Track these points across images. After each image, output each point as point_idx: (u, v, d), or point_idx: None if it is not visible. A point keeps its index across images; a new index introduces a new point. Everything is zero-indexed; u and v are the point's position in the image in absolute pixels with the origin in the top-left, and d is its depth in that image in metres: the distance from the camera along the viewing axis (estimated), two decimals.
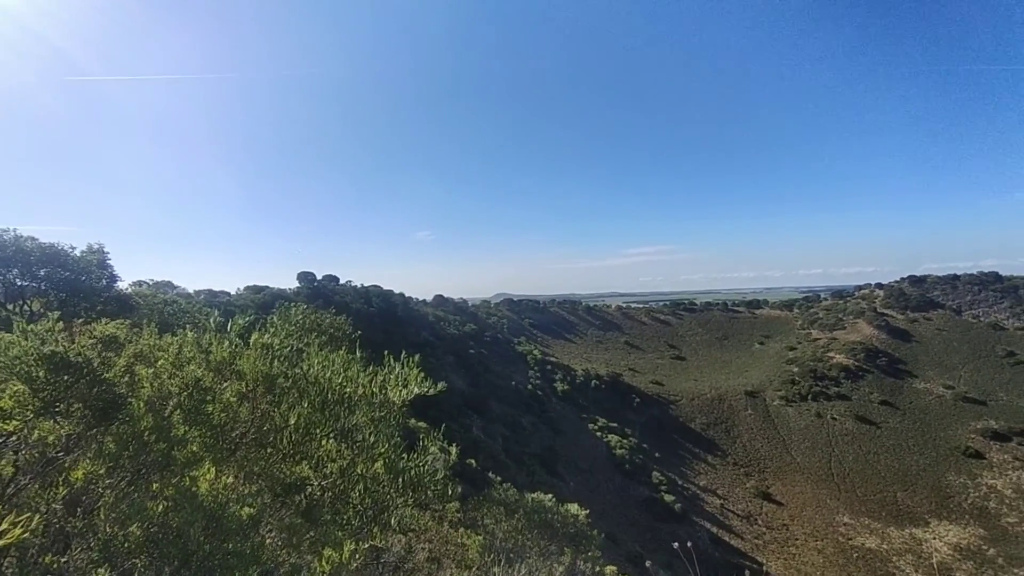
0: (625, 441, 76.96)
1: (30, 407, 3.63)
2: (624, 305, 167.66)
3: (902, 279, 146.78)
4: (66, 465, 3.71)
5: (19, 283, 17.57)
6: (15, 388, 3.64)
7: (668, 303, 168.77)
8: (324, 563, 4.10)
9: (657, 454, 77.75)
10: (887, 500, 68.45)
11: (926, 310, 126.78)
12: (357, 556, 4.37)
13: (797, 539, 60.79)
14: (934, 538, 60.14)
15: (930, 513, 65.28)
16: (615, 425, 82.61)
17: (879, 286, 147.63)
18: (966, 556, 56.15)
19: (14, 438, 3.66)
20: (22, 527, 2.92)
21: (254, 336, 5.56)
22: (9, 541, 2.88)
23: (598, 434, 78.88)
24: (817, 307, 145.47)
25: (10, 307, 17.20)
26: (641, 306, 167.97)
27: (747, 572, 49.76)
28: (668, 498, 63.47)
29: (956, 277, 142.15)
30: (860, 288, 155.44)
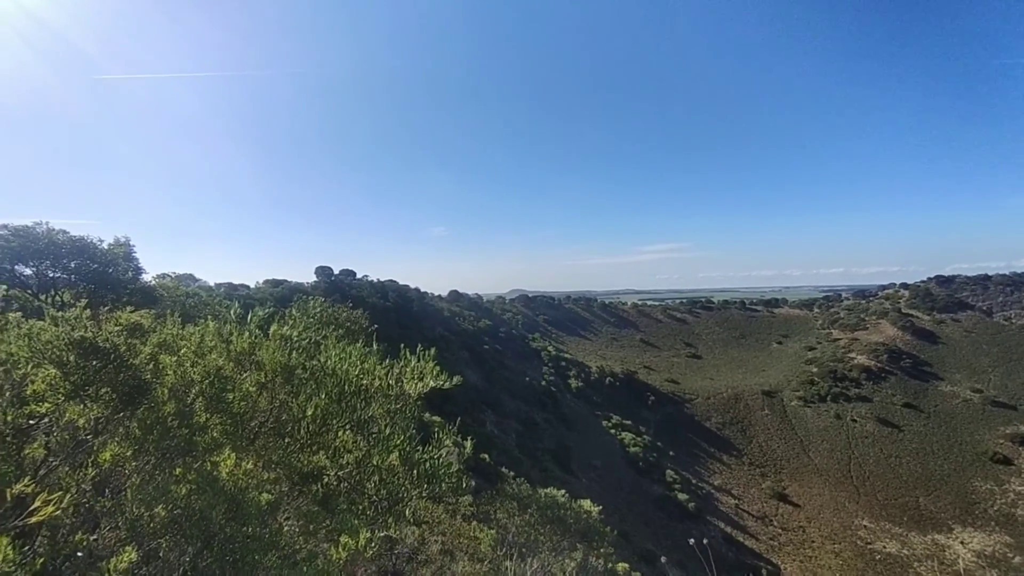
0: (639, 439, 76.48)
1: (61, 390, 3.76)
2: (640, 302, 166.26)
3: (929, 279, 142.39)
4: (95, 447, 3.84)
5: (51, 274, 18.17)
6: (47, 372, 3.77)
7: (685, 301, 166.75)
8: (340, 550, 4.16)
9: (671, 452, 77.08)
10: (909, 505, 66.75)
11: (954, 311, 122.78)
12: (372, 545, 4.43)
13: (814, 541, 59.72)
14: (958, 544, 58.51)
15: (954, 519, 63.47)
16: (629, 423, 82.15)
17: (904, 286, 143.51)
18: (991, 564, 54.46)
19: (46, 420, 3.80)
20: (53, 505, 3.03)
21: (273, 328, 5.66)
22: (41, 519, 3.00)
23: (612, 431, 78.54)
24: (838, 307, 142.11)
25: (42, 297, 17.80)
26: (657, 304, 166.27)
27: (764, 572, 49.16)
28: (682, 497, 62.94)
29: (987, 277, 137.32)
30: (884, 288, 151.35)
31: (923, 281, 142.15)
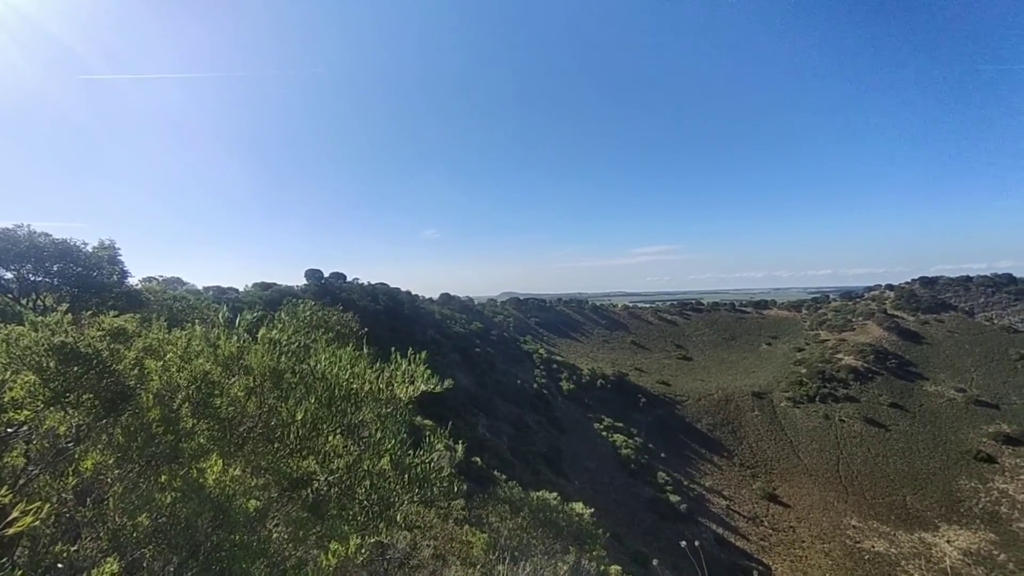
0: (631, 441, 76.73)
1: (40, 397, 3.66)
2: (631, 305, 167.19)
3: (913, 280, 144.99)
4: (76, 455, 3.75)
5: (32, 278, 17.81)
6: (26, 378, 3.67)
7: (675, 303, 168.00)
8: (330, 557, 4.10)
9: (663, 454, 77.42)
10: (896, 503, 67.70)
11: (937, 312, 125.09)
12: (363, 551, 4.37)
13: (804, 541, 60.30)
14: (944, 542, 59.42)
15: (940, 517, 64.49)
16: (621, 425, 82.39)
17: (889, 287, 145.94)
18: (976, 561, 55.40)
19: (25, 428, 3.70)
20: (33, 515, 2.95)
21: (262, 332, 5.58)
22: (20, 529, 2.91)
23: (604, 433, 78.72)
24: (826, 308, 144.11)
25: (24, 302, 17.43)
26: (648, 306, 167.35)
27: (755, 573, 49.48)
28: (673, 498, 63.20)
29: (969, 279, 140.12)
30: (870, 289, 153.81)
31: (908, 282, 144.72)
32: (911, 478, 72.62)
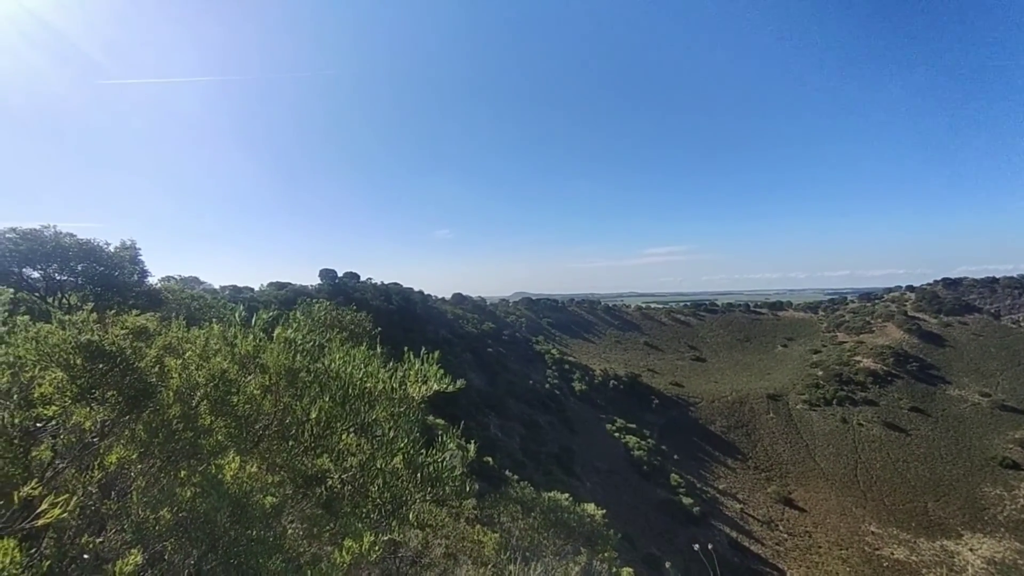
0: (643, 442, 76.14)
1: (68, 393, 3.78)
2: (644, 305, 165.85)
3: (935, 282, 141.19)
4: (101, 450, 3.86)
5: (58, 277, 18.34)
6: (54, 375, 3.80)
7: (689, 303, 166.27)
8: (344, 554, 4.16)
9: (676, 456, 76.69)
10: (917, 510, 66.07)
11: (961, 314, 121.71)
12: (376, 548, 4.43)
13: (820, 547, 59.17)
14: (967, 551, 57.82)
15: (963, 525, 62.75)
16: (633, 426, 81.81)
17: (910, 288, 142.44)
18: (1000, 570, 53.79)
19: (53, 423, 3.83)
20: (60, 508, 3.05)
21: (277, 331, 5.68)
22: (48, 521, 3.02)
23: (616, 435, 78.24)
24: (843, 309, 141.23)
25: (50, 300, 17.96)
26: (661, 306, 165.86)
27: None
28: (686, 501, 62.56)
29: (995, 280, 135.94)
30: (889, 291, 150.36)
31: (929, 284, 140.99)
32: (933, 484, 70.81)
